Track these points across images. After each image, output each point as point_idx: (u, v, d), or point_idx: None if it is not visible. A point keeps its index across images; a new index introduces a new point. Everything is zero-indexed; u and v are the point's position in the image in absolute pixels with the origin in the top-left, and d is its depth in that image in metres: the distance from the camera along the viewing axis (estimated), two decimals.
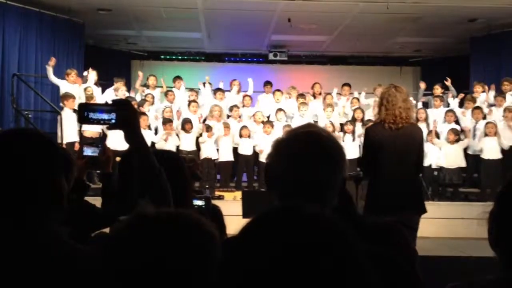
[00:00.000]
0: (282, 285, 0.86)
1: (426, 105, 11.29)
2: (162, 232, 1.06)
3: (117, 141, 7.95)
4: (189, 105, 10.44)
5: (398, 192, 4.20)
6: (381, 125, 4.38)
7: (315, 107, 11.00)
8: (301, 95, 11.17)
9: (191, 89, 11.27)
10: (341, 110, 11.10)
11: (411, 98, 11.14)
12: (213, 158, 9.84)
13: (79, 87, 9.96)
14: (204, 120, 10.39)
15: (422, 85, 11.91)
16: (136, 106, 9.49)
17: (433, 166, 9.73)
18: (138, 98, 10.68)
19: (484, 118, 9.93)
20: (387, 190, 4.20)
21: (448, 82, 11.12)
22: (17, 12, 10.18)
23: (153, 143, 9.51)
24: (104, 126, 1.91)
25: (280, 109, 10.54)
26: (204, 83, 11.37)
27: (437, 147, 9.72)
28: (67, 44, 11.37)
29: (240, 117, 10.58)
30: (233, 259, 0.92)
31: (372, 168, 4.38)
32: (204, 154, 9.72)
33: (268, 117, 10.73)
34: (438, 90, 11.13)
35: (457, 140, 9.70)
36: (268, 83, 11.73)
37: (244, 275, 0.88)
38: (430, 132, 9.84)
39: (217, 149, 9.97)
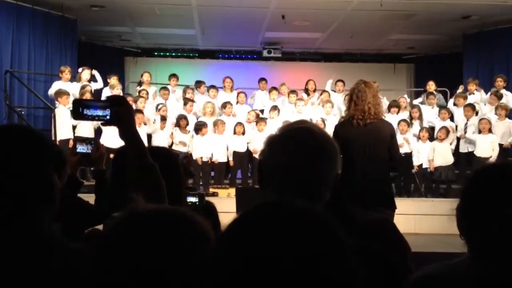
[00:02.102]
0: (268, 285, 0.85)
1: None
2: (154, 229, 1.05)
3: (111, 138, 7.95)
4: (185, 103, 10.42)
5: (368, 188, 4.16)
6: (349, 122, 4.37)
7: (310, 104, 11.03)
8: (293, 92, 11.16)
9: (187, 86, 11.26)
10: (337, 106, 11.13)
11: (405, 96, 11.29)
12: (206, 157, 9.82)
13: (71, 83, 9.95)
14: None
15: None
16: (131, 103, 9.48)
17: (425, 165, 9.78)
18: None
19: (476, 115, 9.99)
20: (357, 187, 4.18)
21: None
22: (10, 8, 10.12)
23: (149, 136, 9.55)
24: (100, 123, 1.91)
25: (274, 107, 10.54)
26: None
27: (428, 145, 9.78)
28: (60, 40, 11.31)
29: (233, 115, 10.57)
30: (219, 257, 0.91)
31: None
32: (197, 153, 9.70)
33: (261, 111, 10.71)
34: (432, 86, 11.17)
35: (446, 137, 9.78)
36: (262, 79, 11.72)
37: (229, 274, 0.87)
38: (421, 129, 9.89)
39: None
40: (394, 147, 4.48)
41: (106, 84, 10.52)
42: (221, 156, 9.91)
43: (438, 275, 1.43)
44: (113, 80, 10.39)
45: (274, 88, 11.22)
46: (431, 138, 9.96)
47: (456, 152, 10.01)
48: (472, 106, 10.06)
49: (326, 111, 10.56)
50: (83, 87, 9.67)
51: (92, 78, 10.36)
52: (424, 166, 9.79)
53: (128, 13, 11.48)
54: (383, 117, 4.58)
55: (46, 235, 1.37)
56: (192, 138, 9.90)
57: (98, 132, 9.39)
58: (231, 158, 9.96)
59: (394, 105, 10.25)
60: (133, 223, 1.07)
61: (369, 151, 4.25)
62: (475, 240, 1.42)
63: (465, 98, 10.50)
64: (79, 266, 1.26)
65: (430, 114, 10.64)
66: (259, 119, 10.19)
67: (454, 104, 10.78)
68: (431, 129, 10.22)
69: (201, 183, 9.60)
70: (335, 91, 11.58)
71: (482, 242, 1.40)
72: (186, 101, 10.49)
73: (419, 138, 9.85)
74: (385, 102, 9.40)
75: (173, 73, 11.64)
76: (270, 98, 11.10)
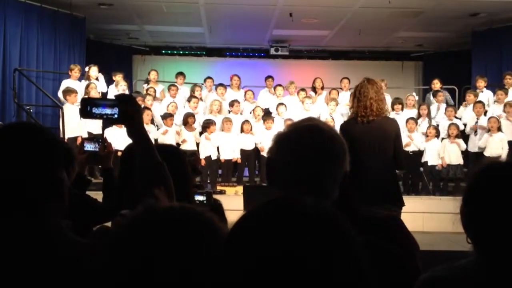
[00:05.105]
0: (276, 282, 0.84)
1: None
2: (169, 227, 1.05)
3: (114, 140, 7.94)
4: (190, 100, 10.44)
5: (374, 186, 4.16)
6: (353, 120, 4.36)
7: (318, 102, 11.01)
8: (302, 90, 11.16)
9: (194, 84, 11.28)
10: (344, 104, 11.11)
11: (414, 94, 11.24)
12: (213, 156, 9.83)
13: (80, 82, 10.00)
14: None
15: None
16: (140, 102, 9.50)
17: (430, 163, 9.73)
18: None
19: (485, 113, 9.92)
20: (363, 185, 4.16)
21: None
22: (18, 7, 10.18)
23: (155, 140, 9.53)
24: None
25: (281, 104, 10.53)
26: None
27: (434, 143, 9.73)
28: (68, 38, 11.37)
29: (241, 113, 10.58)
30: (226, 254, 0.91)
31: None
32: (204, 152, 9.71)
33: (268, 109, 10.70)
34: (437, 84, 11.12)
35: (457, 136, 9.72)
36: (269, 77, 11.71)
37: (236, 272, 0.87)
38: (429, 127, 9.85)
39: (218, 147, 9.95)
40: (399, 146, 4.46)
41: (110, 82, 10.56)
42: (228, 154, 9.91)
43: (445, 277, 1.42)
44: (118, 77, 10.41)
45: (280, 85, 11.21)
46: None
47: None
48: (482, 103, 10.01)
49: (331, 109, 10.54)
50: (87, 85, 9.72)
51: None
52: (430, 164, 9.73)
53: (136, 11, 11.50)
54: (388, 114, 4.56)
55: (54, 232, 1.38)
56: (199, 136, 9.92)
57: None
58: (238, 156, 9.96)
59: (397, 102, 10.21)
60: (148, 220, 1.07)
61: (374, 148, 4.24)
62: (482, 242, 1.40)
63: (476, 95, 10.44)
64: (88, 262, 1.26)
65: (440, 112, 10.61)
66: (267, 117, 10.19)
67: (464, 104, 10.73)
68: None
69: (208, 181, 9.61)
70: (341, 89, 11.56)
71: (490, 243, 1.37)
72: (190, 98, 10.50)
73: (426, 135, 9.81)
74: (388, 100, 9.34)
75: (180, 71, 11.65)
76: (276, 94, 11.08)
